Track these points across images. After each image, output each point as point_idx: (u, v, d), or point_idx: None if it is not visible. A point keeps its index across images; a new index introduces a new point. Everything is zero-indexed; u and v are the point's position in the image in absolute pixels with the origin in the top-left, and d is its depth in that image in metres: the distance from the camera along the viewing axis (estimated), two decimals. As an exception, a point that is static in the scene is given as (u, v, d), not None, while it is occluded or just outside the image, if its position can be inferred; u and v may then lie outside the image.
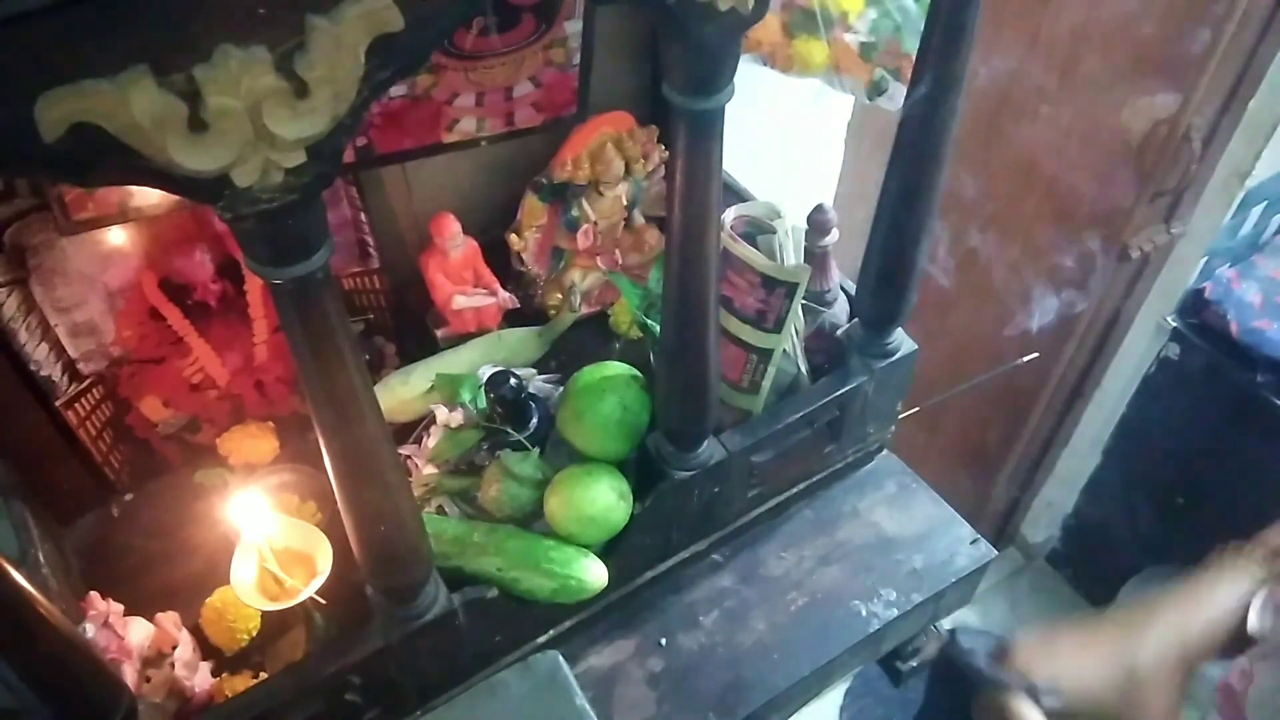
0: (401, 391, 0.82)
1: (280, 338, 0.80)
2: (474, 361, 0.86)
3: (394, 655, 0.65)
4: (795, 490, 0.86)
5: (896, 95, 0.81)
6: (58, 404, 0.73)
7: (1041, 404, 1.65)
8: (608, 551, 0.72)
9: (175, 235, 0.75)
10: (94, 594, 0.67)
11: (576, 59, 0.77)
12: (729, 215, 0.79)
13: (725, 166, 0.62)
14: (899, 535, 0.86)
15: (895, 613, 0.80)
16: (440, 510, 0.77)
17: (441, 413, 0.79)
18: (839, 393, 0.79)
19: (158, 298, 0.75)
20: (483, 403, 0.79)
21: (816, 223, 0.82)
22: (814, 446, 0.83)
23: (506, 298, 0.90)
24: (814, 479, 0.87)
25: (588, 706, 0.65)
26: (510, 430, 0.77)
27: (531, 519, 0.73)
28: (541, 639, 0.75)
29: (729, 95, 0.54)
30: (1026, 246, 1.50)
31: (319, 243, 0.43)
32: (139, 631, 0.67)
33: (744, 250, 0.76)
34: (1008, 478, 1.81)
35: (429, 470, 0.78)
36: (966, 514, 0.87)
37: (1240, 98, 1.28)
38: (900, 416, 0.88)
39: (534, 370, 0.88)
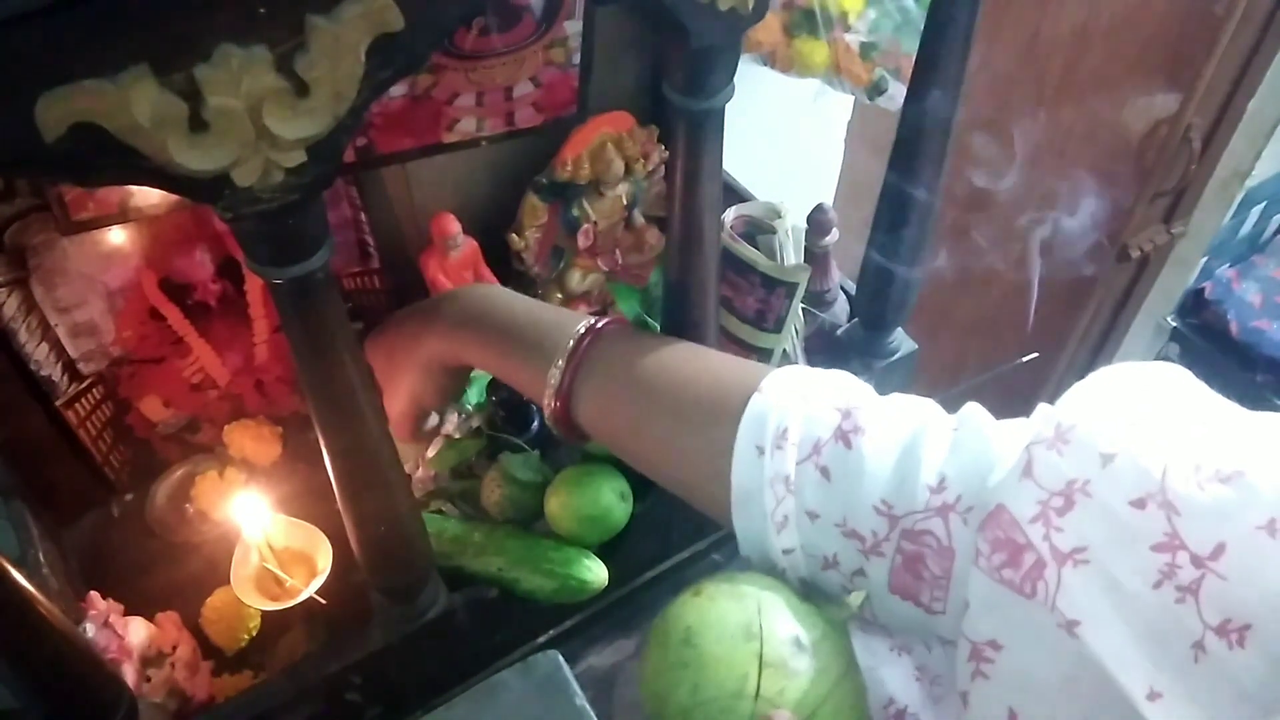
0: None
1: (280, 338, 0.80)
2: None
3: (394, 655, 0.65)
4: (795, 490, 0.86)
5: (896, 95, 0.81)
6: (58, 404, 0.73)
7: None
8: (608, 551, 0.72)
9: (175, 235, 0.75)
10: (94, 594, 0.67)
11: (576, 59, 0.77)
12: (729, 215, 0.79)
13: (725, 166, 0.62)
14: (899, 535, 0.86)
15: (895, 613, 0.80)
16: (440, 511, 0.77)
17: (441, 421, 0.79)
18: (839, 393, 0.79)
19: (158, 298, 0.75)
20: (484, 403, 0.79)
21: (816, 223, 0.82)
22: (814, 446, 0.83)
23: (507, 298, 0.90)
24: (814, 479, 0.87)
25: (588, 706, 0.65)
26: (511, 435, 0.77)
27: (532, 519, 0.73)
28: (541, 639, 0.75)
29: (729, 95, 0.54)
30: (1026, 246, 1.50)
31: (319, 242, 0.43)
32: (139, 631, 0.67)
33: (744, 250, 0.76)
34: (1008, 478, 1.81)
35: (429, 473, 0.78)
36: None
37: (1240, 98, 1.28)
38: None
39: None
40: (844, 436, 0.47)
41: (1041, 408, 0.44)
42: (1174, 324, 1.56)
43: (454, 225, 0.80)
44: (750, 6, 0.49)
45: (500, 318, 0.64)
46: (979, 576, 0.40)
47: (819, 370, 0.53)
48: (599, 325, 0.60)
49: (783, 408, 0.49)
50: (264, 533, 0.68)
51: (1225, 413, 0.39)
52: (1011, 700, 0.39)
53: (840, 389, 0.51)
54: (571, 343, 0.59)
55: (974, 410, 0.47)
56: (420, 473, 0.78)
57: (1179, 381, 0.41)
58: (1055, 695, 0.37)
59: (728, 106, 0.55)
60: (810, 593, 0.50)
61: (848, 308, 0.89)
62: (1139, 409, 0.39)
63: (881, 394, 0.51)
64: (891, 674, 0.51)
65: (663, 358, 0.58)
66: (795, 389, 0.50)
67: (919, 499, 0.44)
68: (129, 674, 0.64)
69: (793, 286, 0.75)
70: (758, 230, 0.80)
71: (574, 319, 0.62)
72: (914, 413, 0.48)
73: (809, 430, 0.48)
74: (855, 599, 0.47)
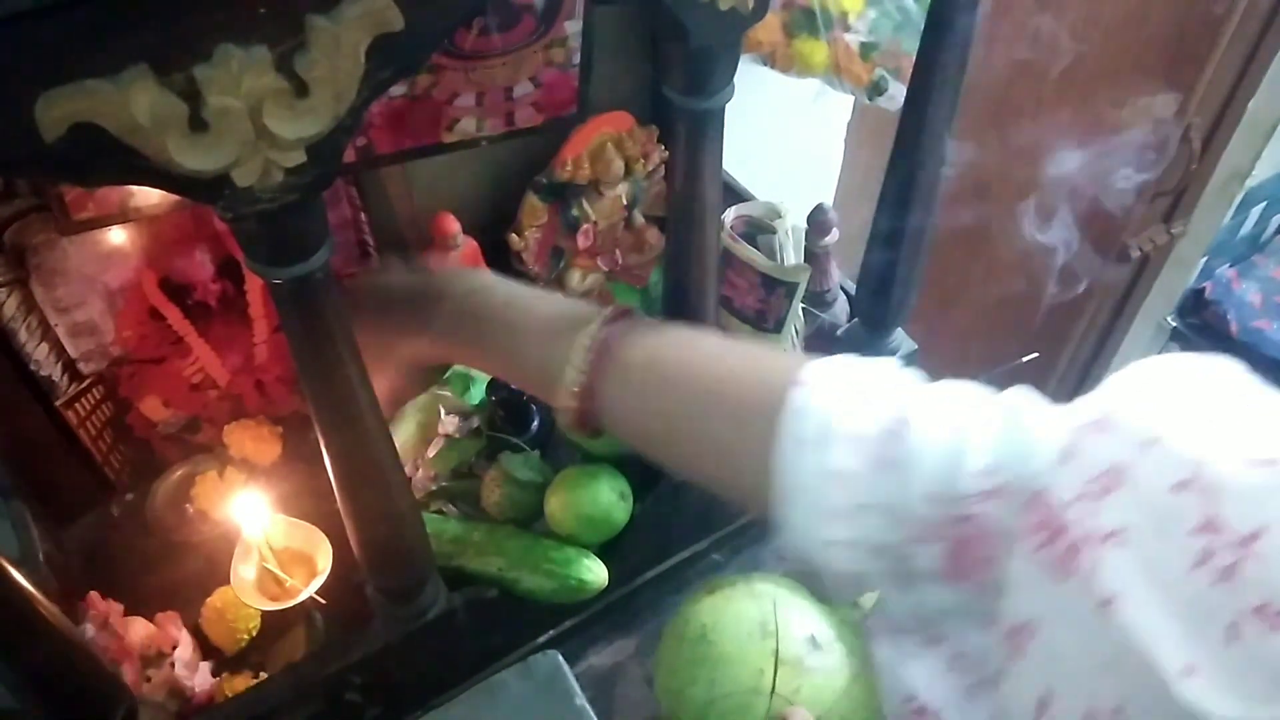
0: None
1: (280, 338, 0.80)
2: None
3: (394, 655, 0.65)
4: (795, 490, 0.86)
5: (896, 95, 0.81)
6: (58, 404, 0.73)
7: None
8: (608, 551, 0.72)
9: (175, 235, 0.75)
10: (94, 594, 0.67)
11: (576, 59, 0.77)
12: (729, 215, 0.79)
13: (725, 166, 0.62)
14: (899, 535, 0.86)
15: (895, 613, 0.80)
16: (440, 511, 0.77)
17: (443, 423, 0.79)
18: (839, 393, 0.79)
19: (158, 298, 0.75)
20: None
21: (816, 223, 0.82)
22: (814, 446, 0.83)
23: (507, 298, 0.90)
24: (814, 479, 0.87)
25: (588, 706, 0.65)
26: (511, 435, 0.77)
27: (532, 519, 0.73)
28: (541, 639, 0.75)
29: (729, 95, 0.54)
30: (1026, 246, 1.50)
31: (319, 242, 0.43)
32: (139, 631, 0.67)
33: (744, 250, 0.76)
34: (1008, 478, 1.81)
35: (429, 473, 0.78)
36: (967, 514, 0.87)
37: (1240, 98, 1.28)
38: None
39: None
40: (891, 427, 0.47)
41: (1087, 396, 0.44)
42: (1174, 324, 1.56)
43: (454, 225, 0.80)
44: (750, 6, 0.49)
45: (499, 320, 0.62)
46: (1018, 558, 0.40)
47: (861, 359, 0.53)
48: (613, 319, 0.58)
49: (825, 399, 0.49)
50: (264, 533, 0.68)
51: (1270, 400, 0.40)
52: (1048, 680, 0.39)
53: (883, 377, 0.51)
54: (589, 342, 0.57)
55: (1020, 395, 0.47)
56: (420, 473, 0.78)
57: (1227, 371, 0.42)
58: (1091, 675, 0.38)
59: (728, 106, 0.55)
60: (822, 594, 0.50)
61: (848, 308, 0.89)
62: (1181, 394, 0.40)
63: None
64: (916, 670, 0.51)
65: (693, 351, 0.57)
66: (837, 379, 0.50)
67: (967, 486, 0.44)
68: (129, 674, 0.64)
69: (793, 286, 0.75)
70: (758, 230, 0.80)
71: (580, 315, 0.60)
72: (962, 400, 0.48)
73: (854, 422, 0.48)
74: (868, 599, 0.47)
